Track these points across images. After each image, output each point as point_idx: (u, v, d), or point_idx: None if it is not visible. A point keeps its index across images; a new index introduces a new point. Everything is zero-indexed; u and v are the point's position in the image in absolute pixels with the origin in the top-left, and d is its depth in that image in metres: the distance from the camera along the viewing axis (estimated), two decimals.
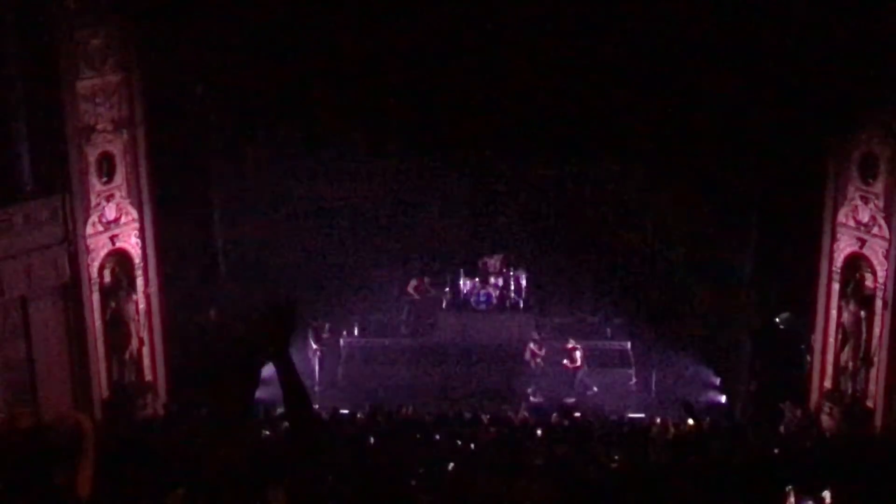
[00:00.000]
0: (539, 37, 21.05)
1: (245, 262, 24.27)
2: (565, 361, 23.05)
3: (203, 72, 21.37)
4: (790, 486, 15.43)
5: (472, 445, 18.32)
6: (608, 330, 24.70)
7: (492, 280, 25.07)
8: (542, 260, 25.45)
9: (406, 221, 25.04)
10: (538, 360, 23.38)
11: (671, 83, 20.95)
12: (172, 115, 21.25)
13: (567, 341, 23.25)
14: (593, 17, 20.63)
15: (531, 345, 23.49)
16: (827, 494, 15.43)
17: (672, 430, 20.18)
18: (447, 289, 25.24)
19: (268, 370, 22.54)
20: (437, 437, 19.09)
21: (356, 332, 24.82)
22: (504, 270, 25.14)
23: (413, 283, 25.14)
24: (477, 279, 25.17)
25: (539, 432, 19.64)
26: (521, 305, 25.04)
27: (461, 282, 25.18)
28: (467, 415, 20.57)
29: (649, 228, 24.55)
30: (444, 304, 25.21)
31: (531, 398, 22.62)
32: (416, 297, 25.17)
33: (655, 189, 23.85)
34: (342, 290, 25.38)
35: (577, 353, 23.01)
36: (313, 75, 22.04)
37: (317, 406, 21.30)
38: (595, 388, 22.92)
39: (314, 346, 23.41)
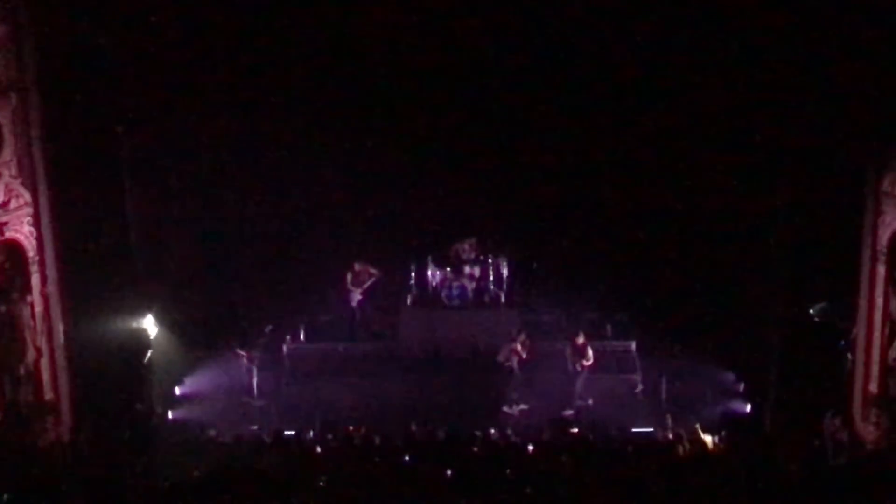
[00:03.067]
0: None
1: (163, 253, 24.15)
2: (583, 361, 22.92)
3: (110, 21, 21.11)
4: None
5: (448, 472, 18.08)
6: (609, 328, 24.84)
7: (466, 270, 25.11)
8: (525, 244, 25.47)
9: (361, 201, 24.97)
10: (515, 362, 23.18)
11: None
12: (74, 77, 20.90)
13: (577, 335, 23.13)
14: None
15: (514, 343, 23.22)
16: None
17: (686, 446, 20.09)
18: (412, 281, 25.15)
19: (191, 385, 22.23)
20: (406, 459, 19.01)
21: (302, 337, 24.85)
22: (480, 258, 25.05)
23: (349, 276, 25.03)
24: (448, 269, 25.13)
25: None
26: (503, 300, 24.98)
27: (430, 272, 25.07)
28: (440, 434, 20.37)
29: (650, 197, 24.43)
30: (408, 300, 25.13)
31: (507, 410, 22.75)
32: (359, 289, 25.01)
33: (673, 152, 23.83)
34: (285, 287, 25.45)
35: (590, 350, 22.94)
36: (241, 24, 22.48)
37: (256, 427, 21.25)
38: (590, 400, 22.91)
39: (244, 354, 23.39)
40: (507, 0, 22.65)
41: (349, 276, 25.05)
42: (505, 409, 22.78)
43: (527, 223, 25.49)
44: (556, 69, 23.20)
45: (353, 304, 25.18)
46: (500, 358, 23.24)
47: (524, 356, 23.23)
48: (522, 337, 23.28)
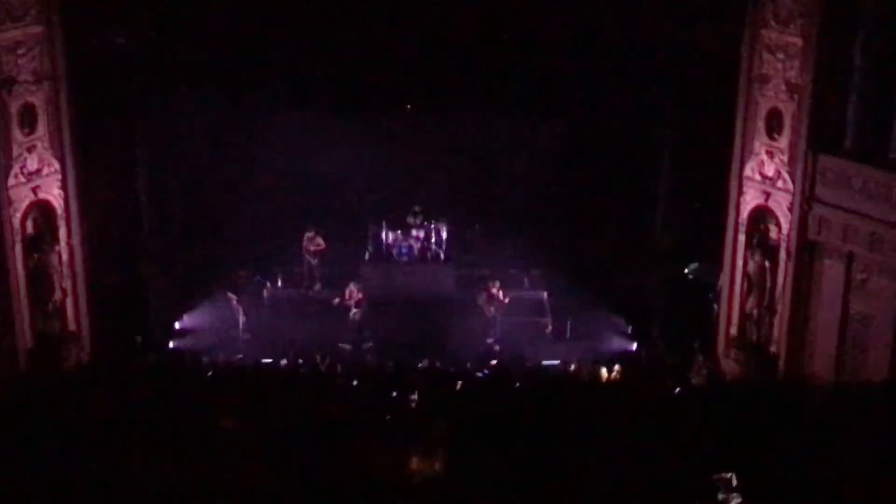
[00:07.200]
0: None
1: (168, 214, 23.99)
2: (496, 305, 23.10)
3: (125, 23, 21.22)
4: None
5: (394, 393, 18.14)
6: (526, 281, 24.82)
7: (413, 232, 25.07)
8: (461, 212, 25.49)
9: (329, 174, 24.54)
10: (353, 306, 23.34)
11: (587, 43, 21.76)
12: (95, 68, 20.95)
13: (492, 285, 23.29)
14: None
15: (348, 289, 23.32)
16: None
17: (586, 375, 20.50)
18: (369, 241, 25.16)
19: (188, 321, 22.27)
20: (355, 383, 19.13)
21: (279, 284, 24.70)
22: (425, 223, 25.13)
23: (305, 240, 24.71)
24: (399, 231, 25.12)
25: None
26: (442, 257, 25.07)
27: (383, 234, 25.10)
28: (389, 364, 20.56)
29: (563, 180, 24.47)
30: (366, 256, 25.12)
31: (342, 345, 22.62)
32: (310, 253, 24.78)
33: (569, 141, 23.89)
34: (266, 243, 25.10)
35: (502, 295, 23.13)
36: (236, 29, 22.09)
37: (241, 355, 21.34)
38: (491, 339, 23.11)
39: (232, 296, 23.28)
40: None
41: (305, 240, 24.72)
42: (340, 345, 22.61)
43: (464, 197, 25.40)
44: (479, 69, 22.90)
45: (308, 260, 24.81)
46: (335, 301, 23.34)
47: (353, 303, 23.18)
48: (351, 286, 23.34)
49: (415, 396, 17.50)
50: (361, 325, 23.16)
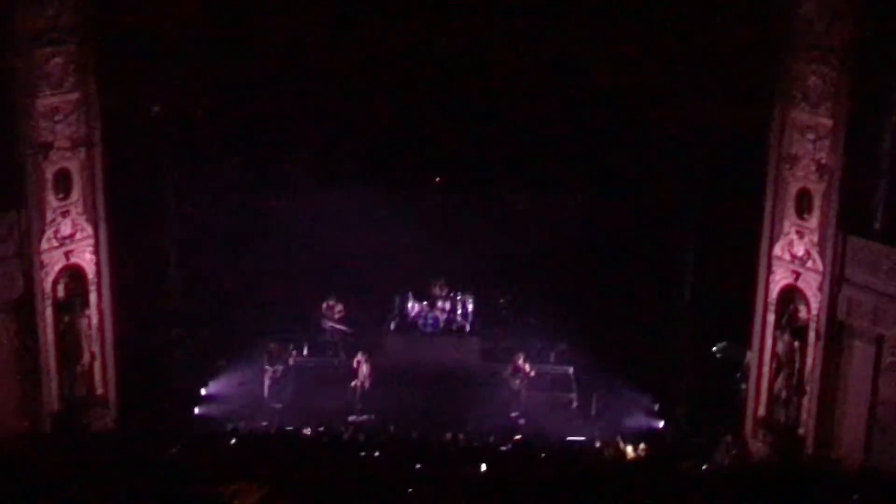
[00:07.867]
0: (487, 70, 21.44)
1: (198, 279, 24.11)
2: (522, 378, 22.95)
3: (160, 92, 21.60)
4: None
5: (418, 466, 18.10)
6: (552, 355, 24.57)
7: (439, 304, 25.11)
8: (488, 285, 25.51)
9: (356, 243, 24.64)
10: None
11: (616, 121, 22.06)
12: (130, 134, 21.21)
13: (518, 357, 23.17)
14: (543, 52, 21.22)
15: (358, 356, 23.25)
16: None
17: (611, 453, 20.38)
18: (394, 313, 25.23)
19: (214, 387, 22.38)
20: (377, 454, 19.04)
21: (305, 352, 24.67)
22: (451, 295, 25.16)
23: (323, 307, 24.81)
24: (425, 303, 25.17)
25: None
26: (468, 329, 25.08)
27: (409, 305, 25.15)
28: (413, 435, 20.58)
29: (591, 256, 24.43)
30: (392, 326, 25.13)
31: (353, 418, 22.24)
32: (330, 321, 24.80)
33: (598, 218, 23.99)
34: (294, 311, 25.08)
35: (528, 368, 23.00)
36: (266, 99, 22.39)
37: (265, 423, 21.26)
38: (518, 413, 22.88)
39: (268, 368, 23.21)
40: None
41: (323, 307, 24.85)
42: (350, 418, 22.24)
43: (490, 269, 25.29)
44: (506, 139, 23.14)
45: (326, 329, 24.85)
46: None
47: (366, 374, 23.08)
48: (360, 356, 23.19)
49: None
50: (365, 394, 23.00)
